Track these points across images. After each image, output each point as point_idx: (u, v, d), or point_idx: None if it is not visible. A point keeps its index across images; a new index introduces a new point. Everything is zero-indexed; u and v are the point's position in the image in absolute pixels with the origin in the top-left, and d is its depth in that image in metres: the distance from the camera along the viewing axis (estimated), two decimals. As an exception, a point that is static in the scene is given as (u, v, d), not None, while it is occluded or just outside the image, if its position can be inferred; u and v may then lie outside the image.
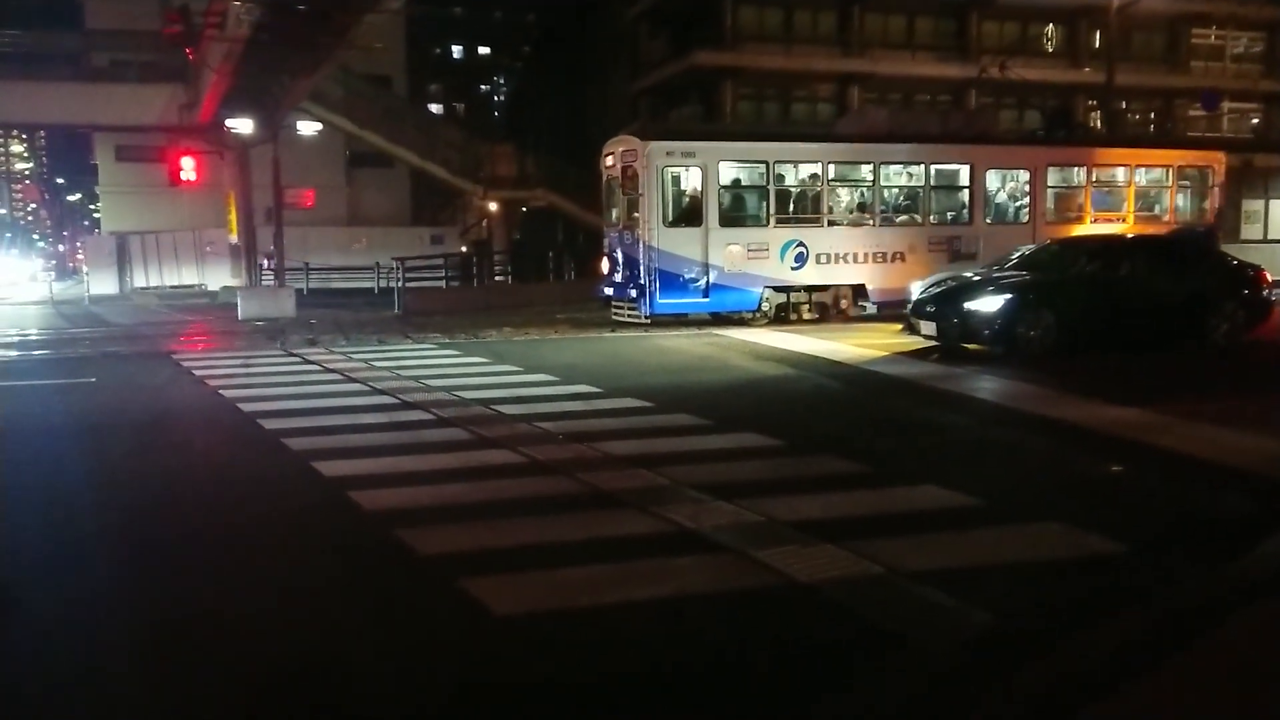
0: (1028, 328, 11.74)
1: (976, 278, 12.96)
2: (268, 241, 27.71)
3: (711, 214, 16.16)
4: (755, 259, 16.31)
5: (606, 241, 17.41)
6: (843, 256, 16.82)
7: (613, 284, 17.08)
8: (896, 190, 17.78)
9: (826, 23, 33.86)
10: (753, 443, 7.60)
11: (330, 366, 12.27)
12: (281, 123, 24.92)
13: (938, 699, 3.60)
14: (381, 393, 10.08)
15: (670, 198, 16.23)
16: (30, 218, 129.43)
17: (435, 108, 55.70)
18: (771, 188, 16.63)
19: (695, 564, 4.90)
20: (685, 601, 4.42)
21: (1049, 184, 18.31)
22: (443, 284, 23.72)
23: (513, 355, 13.20)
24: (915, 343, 12.74)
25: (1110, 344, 12.10)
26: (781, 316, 16.57)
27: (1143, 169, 19.00)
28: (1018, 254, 14.00)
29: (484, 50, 69.84)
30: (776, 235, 16.49)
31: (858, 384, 10.73)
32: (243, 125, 23.72)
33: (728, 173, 16.57)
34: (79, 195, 76.63)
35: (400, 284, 23.03)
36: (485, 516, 5.73)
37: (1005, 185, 18.39)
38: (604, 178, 17.46)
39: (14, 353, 15.17)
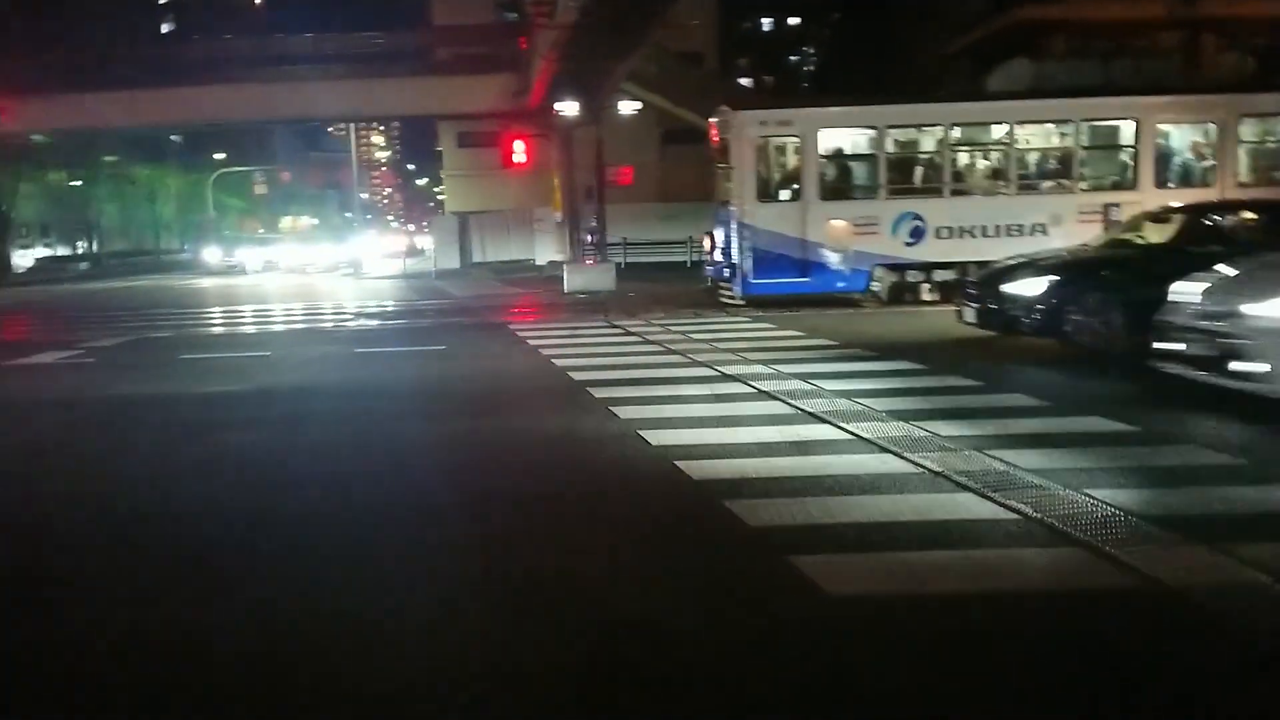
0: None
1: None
2: (588, 218, 29.19)
3: (811, 186, 15.09)
4: (863, 234, 15.01)
5: (714, 219, 16.74)
6: (969, 230, 15.04)
7: (714, 263, 16.37)
8: (1038, 153, 15.70)
9: (1177, -37, 30.33)
10: (1099, 427, 6.98)
11: (650, 338, 12.70)
12: (604, 104, 26.07)
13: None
14: (700, 364, 10.29)
15: (764, 170, 15.30)
16: (385, 201, 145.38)
17: (745, 81, 56.02)
18: (882, 155, 15.22)
19: (1041, 556, 4.56)
20: (1031, 598, 4.11)
21: (1242, 139, 15.42)
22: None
23: (827, 329, 13.01)
24: None
25: None
26: (896, 298, 15.10)
27: None
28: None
29: (793, 21, 69.24)
30: (888, 207, 15.10)
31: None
32: (569, 108, 25.03)
33: (829, 141, 15.38)
34: (426, 180, 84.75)
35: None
36: (812, 492, 5.66)
37: (1182, 143, 15.69)
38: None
39: (375, 322, 17.05)
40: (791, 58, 70.33)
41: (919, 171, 15.80)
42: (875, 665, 3.61)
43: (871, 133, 15.39)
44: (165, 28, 70.78)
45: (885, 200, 15.29)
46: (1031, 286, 10.41)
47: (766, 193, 15.42)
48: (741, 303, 15.61)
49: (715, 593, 4.34)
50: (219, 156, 60.12)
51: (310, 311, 20.07)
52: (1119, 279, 10.17)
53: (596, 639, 3.91)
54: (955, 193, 15.43)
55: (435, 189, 77.29)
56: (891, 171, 15.49)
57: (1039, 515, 5.01)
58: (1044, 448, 6.39)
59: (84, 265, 48.79)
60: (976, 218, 15.24)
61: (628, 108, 27.21)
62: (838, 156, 15.64)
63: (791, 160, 15.53)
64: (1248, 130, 15.66)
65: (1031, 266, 10.80)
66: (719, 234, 16.24)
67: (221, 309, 21.33)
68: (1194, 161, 15.79)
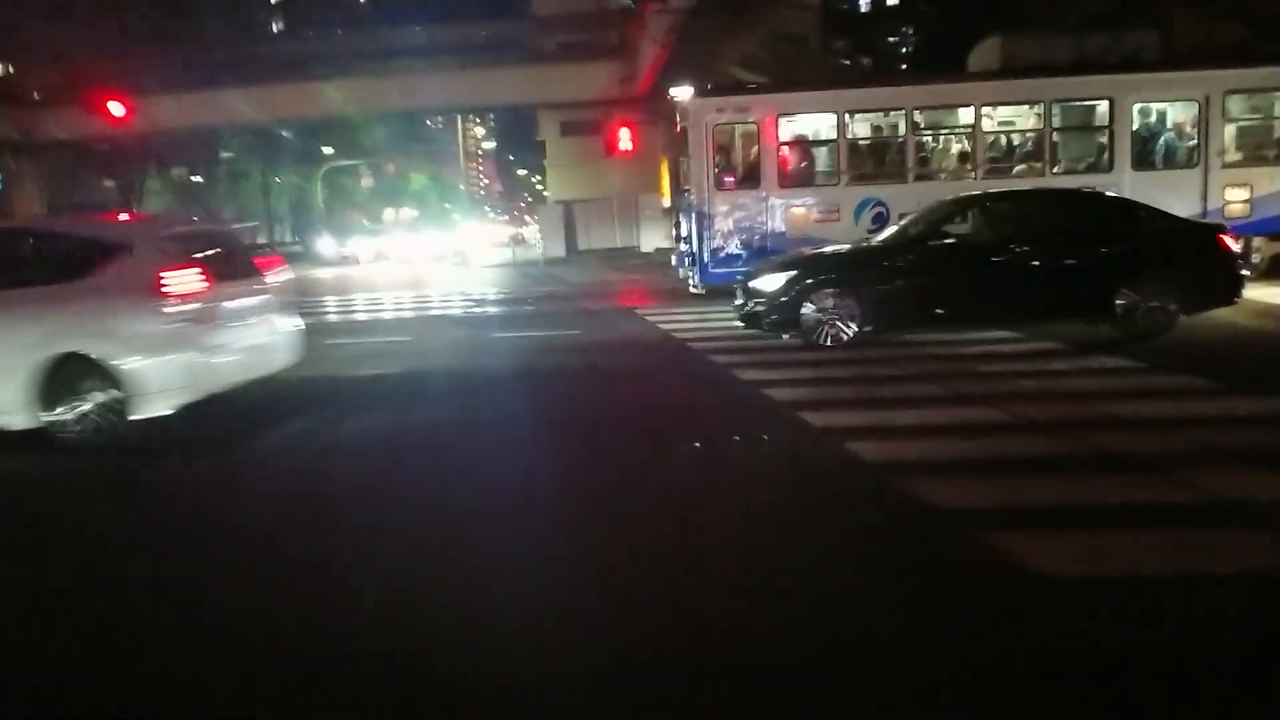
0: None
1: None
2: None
3: (770, 174, 14.80)
4: (824, 222, 14.67)
5: (679, 208, 16.51)
6: None
7: (677, 252, 16.40)
8: (1007, 136, 15.19)
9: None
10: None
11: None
12: (715, 88, 26.03)
13: None
14: (843, 347, 10.25)
15: (722, 158, 15.05)
16: (483, 191, 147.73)
17: (844, 63, 55.15)
18: (843, 140, 14.86)
19: (1253, 540, 4.45)
20: (1253, 581, 4.02)
21: (1230, 116, 14.67)
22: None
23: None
24: None
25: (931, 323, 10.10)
26: None
27: None
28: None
29: (892, 1, 67.99)
30: (849, 194, 14.80)
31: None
32: (683, 93, 25.00)
33: (789, 128, 15.10)
34: (525, 170, 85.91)
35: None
36: (990, 472, 5.62)
37: (1162, 122, 14.95)
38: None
39: (506, 308, 17.41)
40: (890, 38, 68.95)
41: (881, 157, 15.51)
42: (1126, 649, 3.59)
43: (831, 118, 15.13)
44: (276, 26, 73.07)
45: (846, 187, 15.06)
46: (771, 282, 10.31)
47: (725, 181, 15.29)
48: (702, 292, 15.45)
49: (916, 575, 4.33)
50: (327, 150, 61.87)
51: (434, 299, 20.57)
52: (849, 274, 10.18)
53: (819, 629, 3.92)
54: (919, 178, 15.07)
55: (534, 179, 78.30)
56: (853, 157, 15.26)
57: (1238, 496, 4.90)
58: (1228, 428, 6.21)
59: (206, 257, 50.84)
60: None
61: (738, 92, 27.11)
62: (797, 143, 15.41)
63: (750, 147, 15.34)
64: (1233, 107, 14.93)
65: (776, 262, 10.78)
66: (683, 223, 16.19)
67: (346, 297, 22.01)
68: (1175, 140, 15.06)
